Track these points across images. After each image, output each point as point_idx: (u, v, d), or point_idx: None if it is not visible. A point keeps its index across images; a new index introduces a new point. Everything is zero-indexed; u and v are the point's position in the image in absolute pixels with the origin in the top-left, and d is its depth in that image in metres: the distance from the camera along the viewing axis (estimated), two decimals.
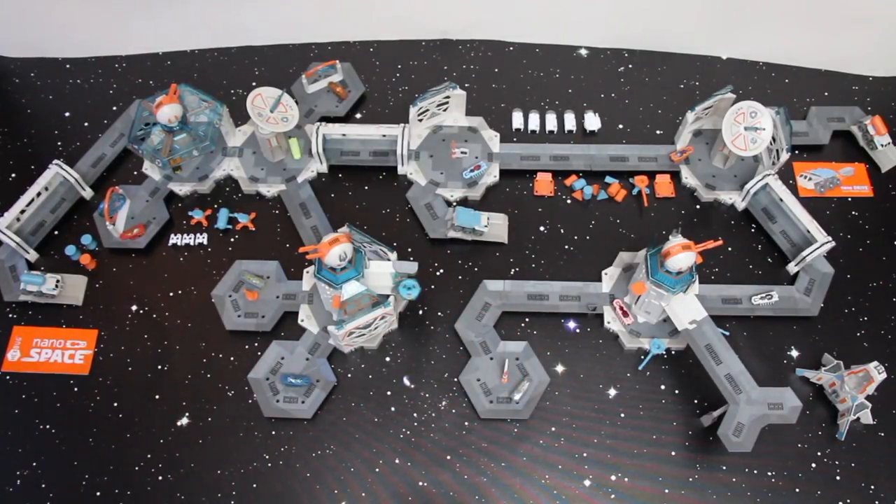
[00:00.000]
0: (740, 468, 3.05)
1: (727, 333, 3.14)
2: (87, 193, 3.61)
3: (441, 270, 3.47)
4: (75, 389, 3.22)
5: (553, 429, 3.14)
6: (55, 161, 3.48)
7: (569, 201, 3.64)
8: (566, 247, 3.53)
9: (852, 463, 3.06)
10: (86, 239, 3.48)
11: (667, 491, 3.02)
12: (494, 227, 3.49)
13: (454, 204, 3.59)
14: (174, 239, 3.52)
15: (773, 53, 4.01)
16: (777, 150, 3.42)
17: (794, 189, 3.56)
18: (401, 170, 3.66)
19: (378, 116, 3.87)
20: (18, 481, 3.04)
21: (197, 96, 3.56)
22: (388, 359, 3.29)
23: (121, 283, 3.43)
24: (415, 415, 3.17)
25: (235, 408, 3.18)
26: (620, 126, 3.84)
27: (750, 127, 3.38)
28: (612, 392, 3.21)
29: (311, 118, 3.78)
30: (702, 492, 3.02)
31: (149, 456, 3.09)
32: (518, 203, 3.62)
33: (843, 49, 3.90)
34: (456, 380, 3.21)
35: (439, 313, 3.37)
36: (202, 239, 3.52)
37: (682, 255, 2.90)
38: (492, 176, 3.63)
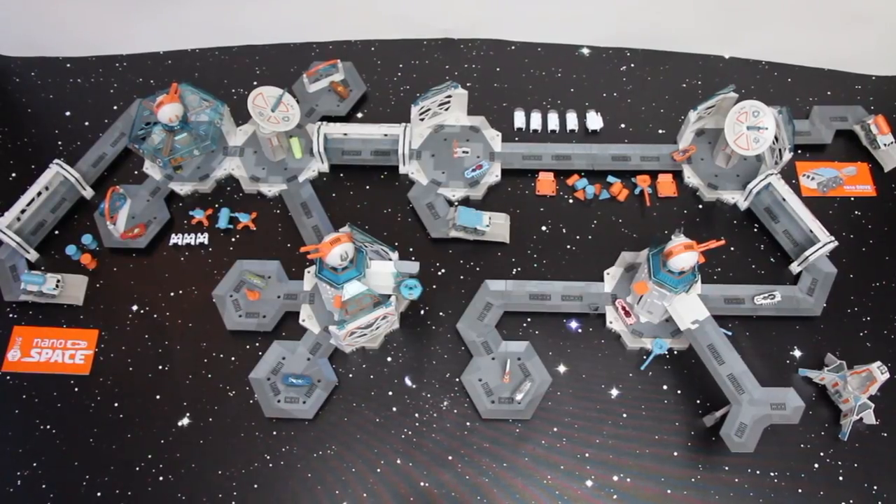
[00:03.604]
0: (743, 468, 3.04)
1: (730, 333, 3.13)
2: (88, 193, 3.60)
3: (443, 270, 3.46)
4: (75, 389, 3.21)
5: (555, 429, 3.14)
6: (56, 160, 3.48)
7: (571, 201, 3.64)
8: (568, 246, 3.52)
9: (855, 463, 3.05)
10: (86, 239, 3.47)
11: (669, 491, 3.01)
12: (496, 226, 3.48)
13: (456, 203, 3.58)
14: (175, 239, 3.51)
15: (775, 52, 4.01)
16: (780, 150, 3.41)
17: (796, 189, 3.56)
18: (402, 169, 3.66)
19: (379, 116, 3.86)
20: (18, 481, 3.04)
21: (198, 95, 3.56)
22: (389, 359, 3.28)
23: (121, 283, 3.43)
24: (416, 415, 3.16)
25: (236, 408, 3.17)
26: (622, 125, 3.83)
27: (752, 126, 3.37)
28: (615, 392, 3.20)
29: (313, 117, 3.78)
30: (704, 492, 3.01)
31: (149, 456, 3.08)
32: (520, 203, 3.62)
33: (845, 48, 3.90)
34: (458, 380, 3.20)
35: (441, 313, 3.37)
36: (203, 238, 3.51)
37: (684, 254, 2.89)
38: (493, 175, 3.63)
